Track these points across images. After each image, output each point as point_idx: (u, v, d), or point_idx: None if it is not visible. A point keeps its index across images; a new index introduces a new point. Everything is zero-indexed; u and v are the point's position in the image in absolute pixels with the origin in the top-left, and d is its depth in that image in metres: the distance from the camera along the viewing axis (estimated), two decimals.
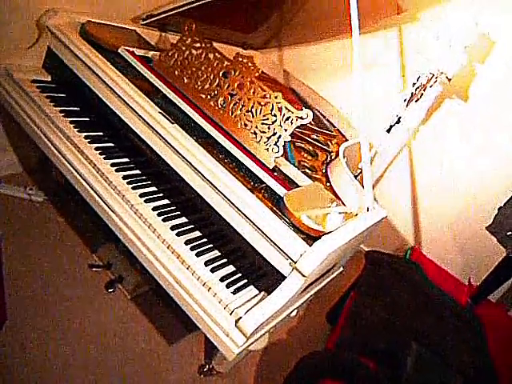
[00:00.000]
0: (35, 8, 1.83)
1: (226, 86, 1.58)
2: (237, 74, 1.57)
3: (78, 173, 1.47)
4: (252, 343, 1.24)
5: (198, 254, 1.34)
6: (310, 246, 1.23)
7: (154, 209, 1.42)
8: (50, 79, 1.81)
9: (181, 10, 1.85)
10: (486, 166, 2.30)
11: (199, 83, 1.64)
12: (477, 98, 2.23)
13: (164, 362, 1.73)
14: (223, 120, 1.58)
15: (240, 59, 1.59)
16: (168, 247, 1.32)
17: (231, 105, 1.57)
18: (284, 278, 1.23)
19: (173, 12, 1.88)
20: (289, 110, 1.48)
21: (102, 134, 1.64)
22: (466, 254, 2.50)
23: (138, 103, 1.52)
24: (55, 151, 1.53)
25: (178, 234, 1.37)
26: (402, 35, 2.33)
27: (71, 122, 1.61)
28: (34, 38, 1.86)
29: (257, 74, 1.55)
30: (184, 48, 1.68)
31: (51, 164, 1.60)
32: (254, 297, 1.29)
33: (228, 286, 1.28)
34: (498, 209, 2.17)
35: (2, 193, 2.07)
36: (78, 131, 1.58)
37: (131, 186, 1.46)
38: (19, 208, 2.07)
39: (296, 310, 1.49)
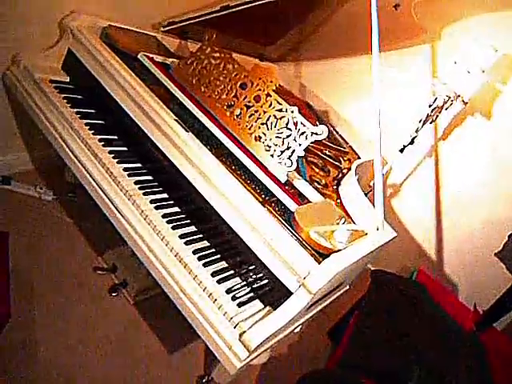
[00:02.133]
0: (57, 9, 1.86)
1: (242, 98, 1.59)
2: (254, 85, 1.58)
3: (90, 175, 1.47)
4: (254, 358, 1.23)
5: (205, 264, 1.33)
6: (319, 263, 1.22)
7: (164, 216, 1.42)
8: (68, 80, 1.83)
9: (202, 19, 1.87)
10: (500, 190, 2.28)
11: (216, 93, 1.64)
12: (500, 118, 2.22)
13: (163, 369, 1.72)
14: (238, 131, 1.58)
15: (258, 71, 1.59)
16: (176, 255, 1.31)
17: (247, 116, 1.57)
18: (290, 293, 1.22)
19: (194, 21, 1.90)
20: (304, 125, 1.48)
21: (116, 137, 1.65)
22: (473, 279, 2.47)
23: (154, 109, 1.52)
24: (69, 152, 1.53)
25: (186, 243, 1.36)
26: (421, 57, 2.33)
27: (86, 124, 1.62)
28: (55, 39, 1.88)
29: (274, 87, 1.56)
30: (203, 57, 1.69)
31: (64, 164, 1.61)
32: (259, 311, 1.28)
33: (234, 299, 1.27)
34: (509, 236, 2.15)
35: (13, 190, 2.09)
36: (92, 133, 1.59)
37: (142, 191, 1.46)
38: (28, 206, 2.07)
39: (300, 326, 1.47)
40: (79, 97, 1.75)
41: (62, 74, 1.84)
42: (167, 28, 2.03)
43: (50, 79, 1.75)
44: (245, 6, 1.75)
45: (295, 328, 1.43)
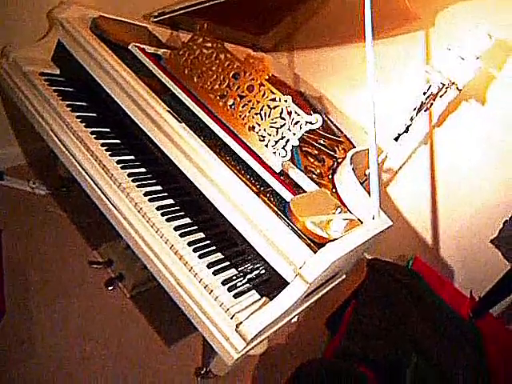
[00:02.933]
0: (47, 1, 1.83)
1: (235, 88, 1.57)
2: (247, 75, 1.56)
3: (82, 168, 1.46)
4: (251, 348, 1.23)
5: (200, 256, 1.32)
6: (315, 252, 1.22)
7: (158, 208, 1.40)
8: (58, 72, 1.80)
9: (193, 9, 1.84)
10: (495, 176, 2.28)
11: (209, 83, 1.63)
12: (495, 104, 2.21)
13: (161, 362, 1.72)
14: (231, 121, 1.57)
15: (251, 61, 1.58)
16: (171, 247, 1.30)
17: (240, 106, 1.56)
18: (287, 283, 1.22)
19: (185, 11, 1.87)
20: (298, 115, 1.47)
21: (108, 130, 1.63)
22: (469, 266, 2.48)
23: (146, 101, 1.50)
24: (61, 145, 1.51)
25: (181, 235, 1.35)
26: (415, 43, 2.31)
27: (78, 117, 1.59)
28: (45, 31, 1.85)
29: (267, 77, 1.54)
30: (195, 47, 1.67)
31: (56, 158, 1.59)
32: (255, 301, 1.27)
33: (230, 290, 1.26)
34: (504, 222, 2.16)
35: (5, 185, 2.07)
36: (84, 126, 1.57)
37: (136, 184, 1.45)
38: (22, 201, 2.06)
39: (297, 316, 1.47)
40: (70, 89, 1.73)
41: (52, 66, 1.81)
42: (158, 18, 2.00)
43: (40, 72, 1.72)
44: None
45: (292, 318, 1.43)
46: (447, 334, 1.84)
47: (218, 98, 1.61)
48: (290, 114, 1.49)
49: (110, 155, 1.51)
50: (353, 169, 1.69)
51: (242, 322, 1.15)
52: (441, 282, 2.30)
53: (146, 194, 1.43)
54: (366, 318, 1.79)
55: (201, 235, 1.41)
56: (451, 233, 2.51)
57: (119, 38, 1.78)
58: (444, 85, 1.99)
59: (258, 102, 1.53)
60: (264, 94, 1.53)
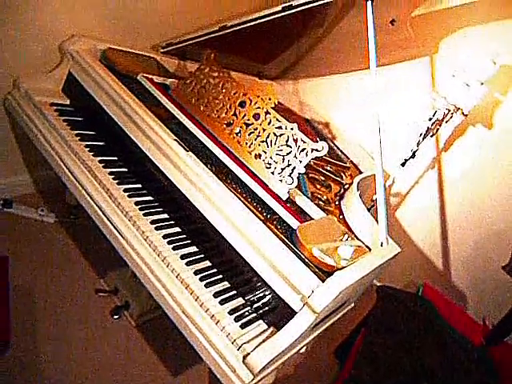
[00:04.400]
0: (58, 33, 1.88)
1: (241, 116, 1.59)
2: (253, 103, 1.58)
3: (90, 196, 1.47)
4: (259, 381, 1.20)
5: (207, 285, 1.31)
6: (323, 281, 1.20)
7: (165, 236, 1.40)
8: (68, 103, 1.84)
9: (200, 39, 1.89)
10: (504, 200, 2.25)
11: (215, 112, 1.65)
12: (502, 127, 2.20)
13: None
14: (238, 149, 1.58)
15: (257, 89, 1.60)
16: (177, 276, 1.29)
17: (246, 134, 1.57)
18: (294, 313, 1.20)
19: (192, 41, 1.91)
20: (304, 142, 1.48)
21: (116, 158, 1.64)
22: (481, 292, 2.43)
23: (153, 130, 1.52)
24: (69, 174, 1.53)
25: (187, 264, 1.34)
26: (419, 69, 2.33)
27: (86, 146, 1.62)
28: (56, 62, 1.90)
29: (273, 105, 1.56)
30: (202, 77, 1.70)
31: (65, 186, 1.60)
32: (263, 332, 1.25)
33: (237, 320, 1.24)
34: None
35: (14, 213, 2.08)
36: (92, 155, 1.59)
37: (143, 212, 1.45)
38: (30, 228, 2.07)
39: (305, 347, 1.44)
40: (79, 119, 1.76)
41: (62, 96, 1.85)
42: (166, 49, 2.05)
43: (50, 102, 1.76)
44: (242, 26, 1.76)
45: (300, 348, 1.40)
46: (459, 362, 1.79)
47: (224, 126, 1.62)
48: (296, 141, 1.49)
49: (117, 183, 1.51)
50: (360, 195, 1.69)
51: (249, 354, 1.12)
52: (452, 309, 2.25)
53: (152, 222, 1.43)
54: (376, 346, 1.74)
55: (207, 263, 1.40)
56: (461, 258, 2.47)
57: (128, 69, 1.82)
58: (449, 110, 2.00)
59: (264, 130, 1.54)
60: (270, 121, 1.54)
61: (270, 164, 1.52)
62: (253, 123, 1.57)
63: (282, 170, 1.50)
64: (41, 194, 2.29)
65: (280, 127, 1.53)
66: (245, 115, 1.59)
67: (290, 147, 1.50)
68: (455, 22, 2.17)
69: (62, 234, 2.12)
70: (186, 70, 2.18)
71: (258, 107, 1.57)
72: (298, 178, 1.48)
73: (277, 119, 1.54)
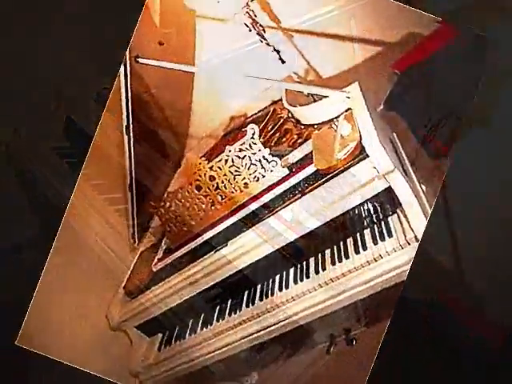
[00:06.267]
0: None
1: (210, 188, 1.70)
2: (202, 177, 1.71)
3: None
4: None
5: None
6: None
7: None
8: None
9: None
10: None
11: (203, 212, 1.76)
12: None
13: None
14: (228, 204, 1.69)
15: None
16: None
17: (219, 196, 1.69)
18: None
19: None
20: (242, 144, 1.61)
21: None
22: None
23: None
24: None
25: None
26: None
27: None
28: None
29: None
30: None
31: None
32: None
33: None
34: None
35: None
36: None
37: None
38: None
39: None
40: None
41: None
42: None
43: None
44: None
45: None
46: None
47: (216, 207, 1.72)
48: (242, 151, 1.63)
49: None
50: None
51: None
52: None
53: None
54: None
55: None
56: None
57: None
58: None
59: (224, 175, 1.66)
60: (218, 168, 1.66)
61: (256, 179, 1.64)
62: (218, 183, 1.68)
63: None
64: None
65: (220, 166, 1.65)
66: (209, 187, 1.70)
67: (239, 158, 1.63)
68: None
69: None
70: None
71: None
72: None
73: (218, 167, 1.66)
